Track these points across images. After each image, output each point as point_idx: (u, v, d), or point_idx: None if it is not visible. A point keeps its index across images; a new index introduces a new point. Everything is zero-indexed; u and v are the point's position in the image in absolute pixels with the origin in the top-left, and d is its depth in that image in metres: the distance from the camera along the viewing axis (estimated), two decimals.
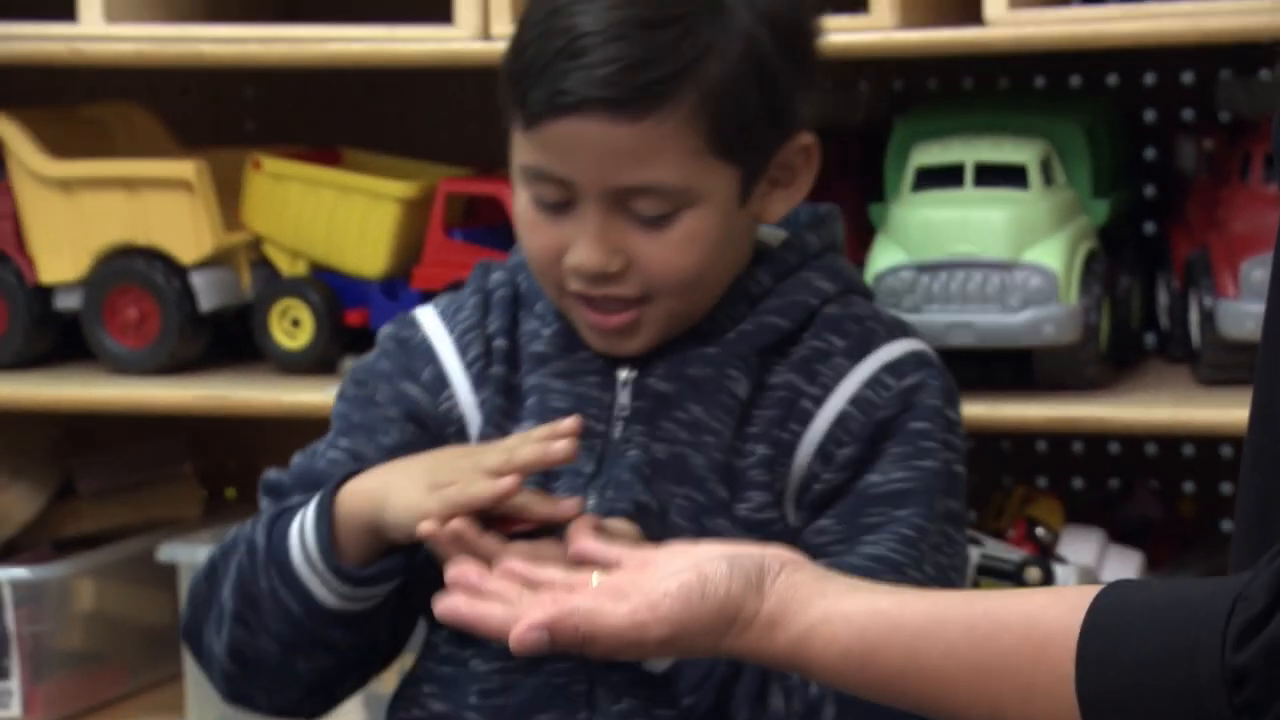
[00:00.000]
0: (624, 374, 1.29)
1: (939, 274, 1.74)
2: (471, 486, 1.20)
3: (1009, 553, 1.79)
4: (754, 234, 1.31)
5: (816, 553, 1.22)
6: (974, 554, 1.79)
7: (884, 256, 1.76)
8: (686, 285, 1.27)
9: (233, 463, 2.15)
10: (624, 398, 1.29)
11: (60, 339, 1.97)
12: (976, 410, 1.75)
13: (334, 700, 1.33)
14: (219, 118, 2.13)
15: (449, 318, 1.32)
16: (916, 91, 2.03)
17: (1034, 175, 1.77)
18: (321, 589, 1.25)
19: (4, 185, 1.94)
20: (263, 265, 1.94)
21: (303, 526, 1.25)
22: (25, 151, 1.92)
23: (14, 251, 1.94)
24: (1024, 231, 1.74)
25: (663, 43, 1.22)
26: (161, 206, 1.90)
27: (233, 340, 1.95)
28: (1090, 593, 0.94)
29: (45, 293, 1.95)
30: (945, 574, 1.26)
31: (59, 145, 1.93)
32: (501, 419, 1.30)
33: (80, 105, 2.04)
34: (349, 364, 1.79)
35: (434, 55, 1.77)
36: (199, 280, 1.91)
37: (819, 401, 1.27)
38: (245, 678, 1.28)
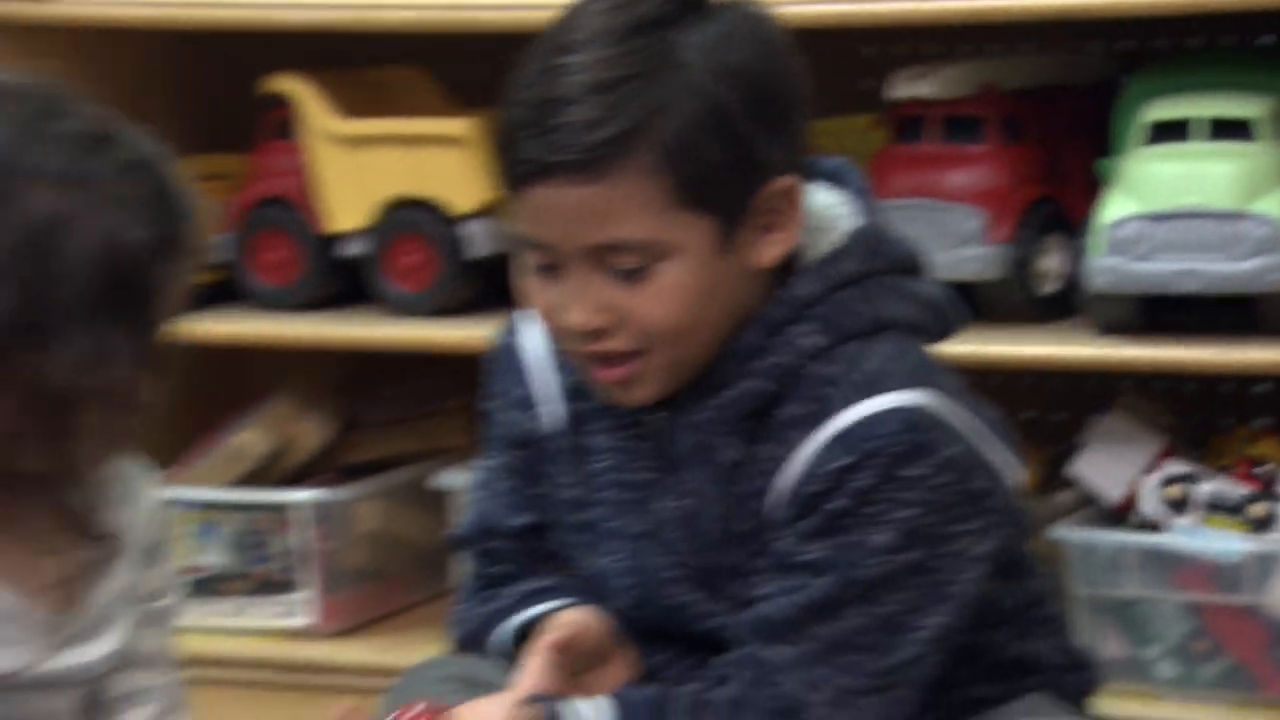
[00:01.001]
0: (655, 423, 1.28)
1: (1168, 223, 1.77)
2: None
3: (1236, 488, 1.82)
4: (756, 278, 1.25)
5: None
6: (1203, 490, 1.83)
7: (1115, 208, 1.80)
8: (676, 336, 1.23)
9: None
10: (659, 448, 1.28)
11: (346, 284, 2.05)
12: (1201, 354, 1.77)
13: None
14: (492, 80, 2.16)
15: None
16: (1144, 51, 2.04)
17: (1262, 129, 1.79)
18: None
19: (296, 143, 2.03)
20: None
21: None
22: (316, 111, 2.01)
23: (305, 203, 2.03)
24: (1251, 183, 1.76)
25: (613, 103, 1.21)
26: (438, 162, 1.98)
27: (500, 285, 1.96)
28: None
29: (333, 241, 2.03)
30: (869, 631, 1.23)
31: (345, 106, 2.02)
32: (573, 456, 1.31)
33: (365, 69, 2.11)
34: None
35: None
36: (471, 229, 1.99)
37: (780, 472, 1.24)
38: None
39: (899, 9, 1.82)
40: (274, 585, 2.01)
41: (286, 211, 2.05)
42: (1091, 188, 1.88)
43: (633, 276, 1.23)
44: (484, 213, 2.00)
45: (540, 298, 1.26)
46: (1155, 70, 1.90)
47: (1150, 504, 1.83)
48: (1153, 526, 1.83)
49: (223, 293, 2.05)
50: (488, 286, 2.02)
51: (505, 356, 1.35)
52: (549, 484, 1.33)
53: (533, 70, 1.25)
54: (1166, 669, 1.81)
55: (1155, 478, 1.83)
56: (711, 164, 1.22)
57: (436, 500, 2.03)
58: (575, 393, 1.32)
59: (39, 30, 1.95)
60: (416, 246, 2.00)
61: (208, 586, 2.01)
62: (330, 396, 2.11)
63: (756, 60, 1.24)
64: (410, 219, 2.00)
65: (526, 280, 1.27)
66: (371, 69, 2.11)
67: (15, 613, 1.15)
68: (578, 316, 1.24)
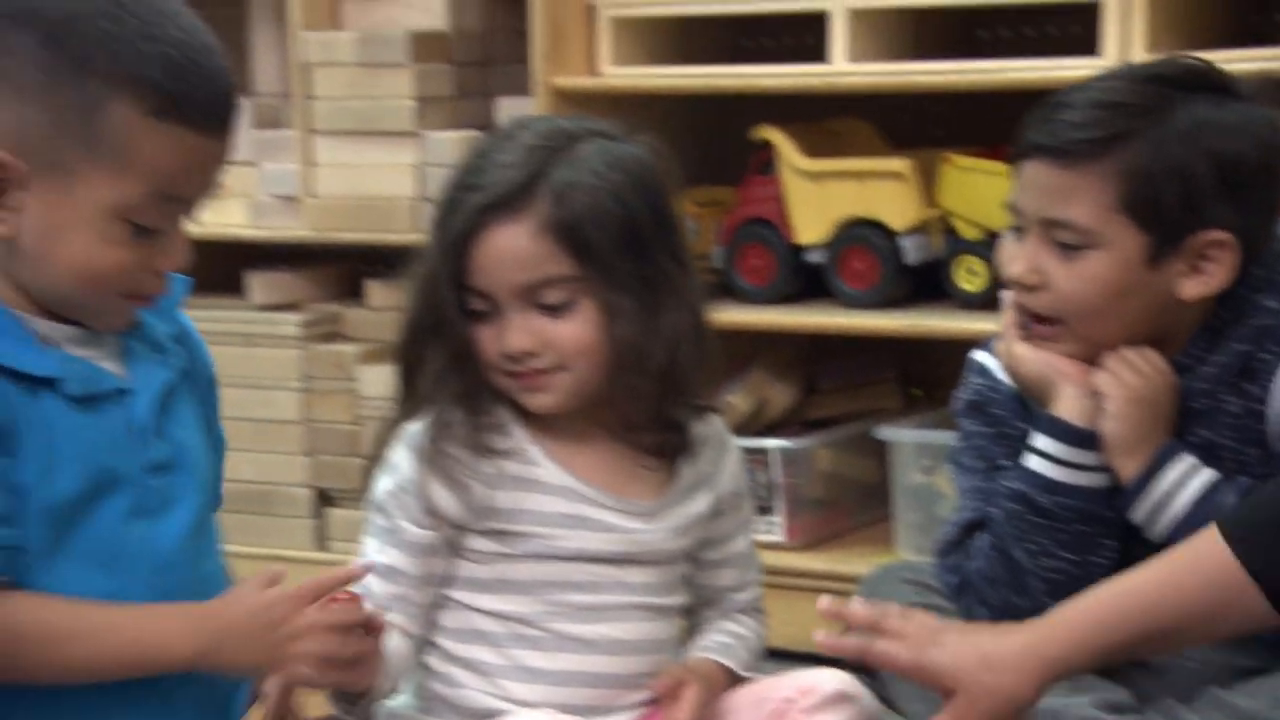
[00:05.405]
0: None
1: None
2: None
3: None
4: (1171, 306, 1.34)
5: None
6: None
7: None
8: (1080, 313, 1.34)
9: (923, 371, 2.37)
10: None
11: (809, 283, 2.23)
12: None
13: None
14: (918, 127, 2.35)
15: None
16: None
17: None
18: (1064, 470, 1.36)
19: (774, 178, 2.23)
20: (950, 232, 2.18)
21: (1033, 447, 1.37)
22: (789, 153, 2.21)
23: (780, 222, 2.24)
24: None
25: (1103, 119, 1.34)
26: (881, 191, 2.17)
27: (928, 285, 2.19)
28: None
29: (800, 250, 2.21)
30: None
31: (810, 148, 2.22)
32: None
33: (824, 121, 2.28)
34: None
35: (1075, 80, 1.94)
36: (906, 243, 2.17)
37: (1269, 402, 1.34)
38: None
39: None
40: (756, 510, 2.14)
41: (765, 229, 2.22)
42: None
43: (1067, 252, 1.36)
44: (916, 230, 2.17)
45: (1005, 250, 1.43)
46: None
47: None
48: None
49: (717, 290, 2.24)
50: (918, 287, 2.20)
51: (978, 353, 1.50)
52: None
53: (1067, 87, 1.39)
54: None
55: None
56: (1161, 192, 1.32)
57: (876, 448, 2.21)
58: None
59: (593, 96, 2.21)
60: (864, 255, 2.17)
61: None
62: (796, 369, 2.27)
63: (1238, 146, 1.33)
64: (859, 234, 2.17)
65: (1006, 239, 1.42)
66: (828, 120, 2.30)
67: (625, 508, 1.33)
68: (1016, 267, 1.39)
